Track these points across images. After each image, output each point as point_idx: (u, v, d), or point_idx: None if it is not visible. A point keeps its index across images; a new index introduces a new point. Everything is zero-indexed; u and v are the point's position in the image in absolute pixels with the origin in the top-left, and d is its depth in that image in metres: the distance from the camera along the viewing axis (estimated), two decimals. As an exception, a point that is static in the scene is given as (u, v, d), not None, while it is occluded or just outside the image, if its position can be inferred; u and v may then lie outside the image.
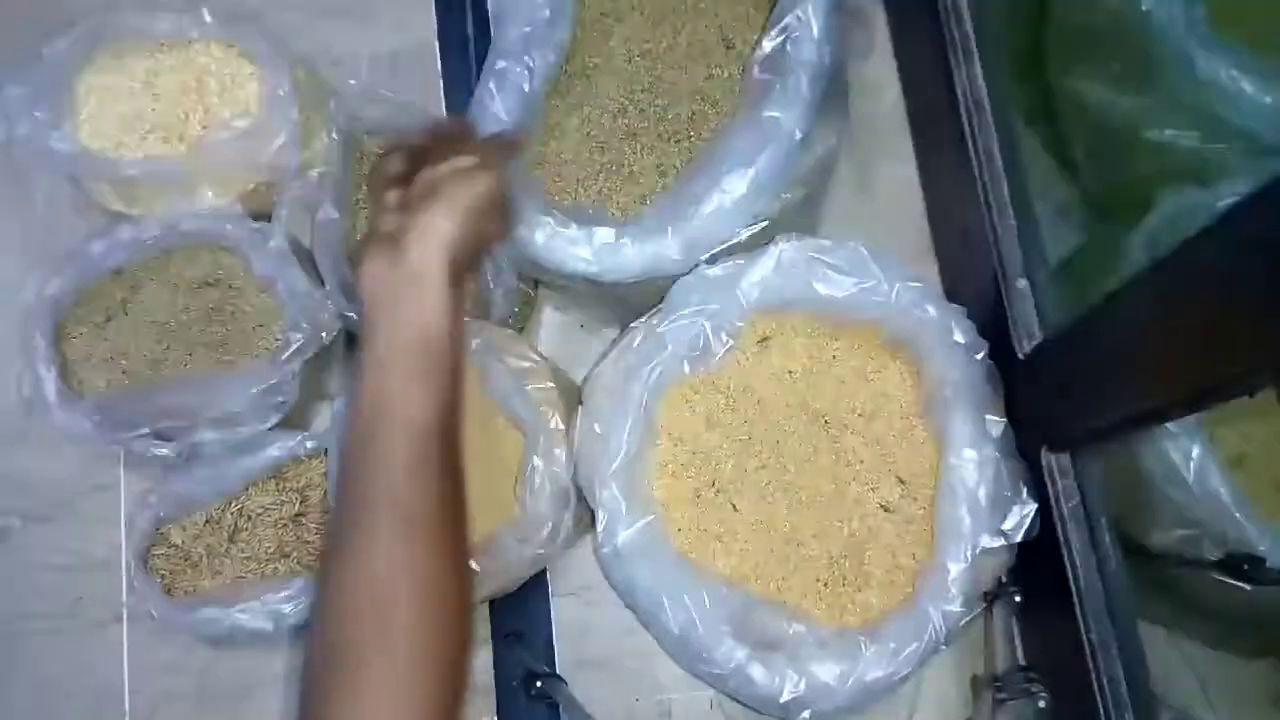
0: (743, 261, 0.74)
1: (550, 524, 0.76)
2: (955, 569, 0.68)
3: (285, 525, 0.85)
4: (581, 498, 0.77)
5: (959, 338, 0.72)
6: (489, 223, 0.57)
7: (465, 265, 0.55)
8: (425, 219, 0.54)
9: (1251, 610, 0.75)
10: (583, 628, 0.90)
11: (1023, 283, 0.75)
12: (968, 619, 0.69)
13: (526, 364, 0.79)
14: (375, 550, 0.46)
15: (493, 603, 0.90)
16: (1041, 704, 0.69)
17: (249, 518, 0.85)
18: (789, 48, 0.72)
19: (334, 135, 0.83)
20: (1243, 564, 0.69)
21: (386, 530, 0.47)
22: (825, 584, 0.74)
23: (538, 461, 0.75)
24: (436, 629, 0.46)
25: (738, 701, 0.82)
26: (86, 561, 0.95)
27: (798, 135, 0.71)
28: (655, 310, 0.76)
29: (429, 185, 0.55)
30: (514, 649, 0.88)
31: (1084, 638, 0.68)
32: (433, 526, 0.48)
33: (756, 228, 0.74)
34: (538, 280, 0.88)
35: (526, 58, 0.78)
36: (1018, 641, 0.80)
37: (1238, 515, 0.69)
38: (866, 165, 0.96)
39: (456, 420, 0.52)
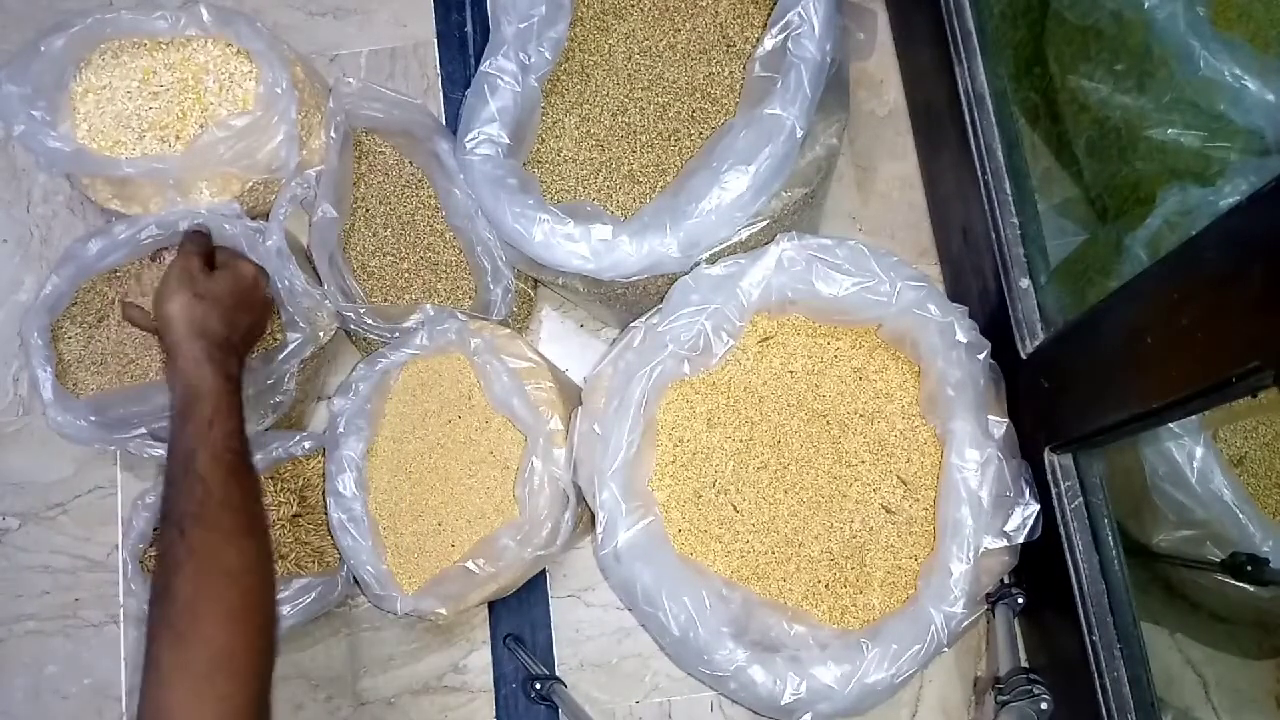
0: (743, 260, 0.74)
1: (550, 525, 0.75)
2: (957, 570, 0.67)
3: (283, 526, 0.85)
4: (581, 498, 0.77)
5: (961, 337, 0.71)
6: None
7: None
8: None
9: (1255, 611, 0.75)
10: (582, 630, 0.89)
11: (1025, 282, 0.74)
12: (970, 620, 0.69)
13: (526, 364, 0.79)
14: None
15: (492, 605, 0.89)
16: (1044, 706, 0.68)
17: (247, 518, 0.84)
18: (790, 45, 0.71)
19: (332, 134, 0.83)
20: (1246, 564, 0.68)
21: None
22: (826, 585, 0.74)
23: (537, 462, 0.75)
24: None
25: (738, 704, 0.82)
26: (83, 562, 0.95)
27: (798, 133, 0.70)
28: (655, 310, 0.76)
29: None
30: (514, 651, 0.87)
31: (1086, 639, 0.68)
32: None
33: (757, 226, 0.74)
34: (537, 280, 0.88)
35: (522, 55, 0.77)
36: (1020, 643, 0.79)
37: (1241, 516, 0.69)
38: (868, 163, 0.96)
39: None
